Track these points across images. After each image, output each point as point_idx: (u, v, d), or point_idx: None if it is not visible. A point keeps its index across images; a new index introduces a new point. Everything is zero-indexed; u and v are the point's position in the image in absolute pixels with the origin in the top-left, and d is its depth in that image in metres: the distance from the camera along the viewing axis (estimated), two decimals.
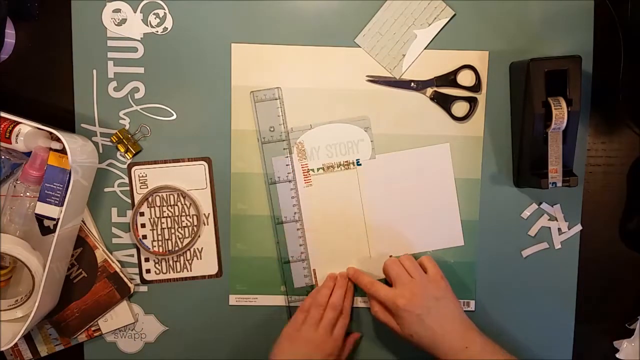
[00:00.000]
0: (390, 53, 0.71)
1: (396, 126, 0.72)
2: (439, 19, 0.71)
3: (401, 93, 0.72)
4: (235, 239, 0.73)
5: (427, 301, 0.65)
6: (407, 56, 0.71)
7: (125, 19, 0.70)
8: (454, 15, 0.71)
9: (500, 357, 0.63)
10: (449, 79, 0.71)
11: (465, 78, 0.72)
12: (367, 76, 0.72)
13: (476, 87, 0.72)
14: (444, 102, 0.72)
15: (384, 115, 0.72)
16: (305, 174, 0.73)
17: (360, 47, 0.71)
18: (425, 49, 0.71)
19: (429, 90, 0.72)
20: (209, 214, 0.73)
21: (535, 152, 0.67)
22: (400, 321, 0.66)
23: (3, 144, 0.65)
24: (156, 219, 0.72)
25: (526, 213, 0.73)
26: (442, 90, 0.72)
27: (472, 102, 0.72)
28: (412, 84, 0.72)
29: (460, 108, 0.72)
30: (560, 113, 0.64)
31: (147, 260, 0.73)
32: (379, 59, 0.71)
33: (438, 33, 0.71)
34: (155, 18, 0.70)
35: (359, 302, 0.74)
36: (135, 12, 0.70)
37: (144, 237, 0.73)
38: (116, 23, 0.70)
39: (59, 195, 0.65)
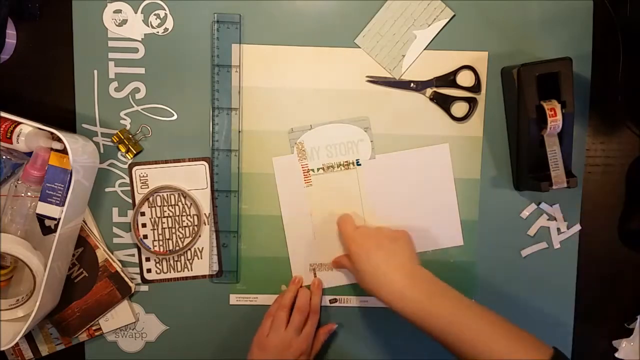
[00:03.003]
0: (390, 54, 0.71)
1: (396, 126, 0.73)
2: (439, 20, 0.71)
3: (401, 93, 0.72)
4: (236, 238, 0.73)
5: (379, 239, 0.65)
6: (406, 57, 0.71)
7: (126, 20, 0.71)
8: (454, 16, 0.71)
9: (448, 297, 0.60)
10: (449, 79, 0.72)
11: (465, 78, 0.72)
12: (367, 77, 0.72)
13: (475, 88, 0.72)
14: (444, 103, 0.72)
15: (384, 116, 0.72)
16: (305, 174, 0.73)
17: (360, 47, 0.71)
18: (424, 49, 0.71)
19: (429, 91, 0.72)
20: (209, 213, 0.73)
21: (533, 155, 0.68)
22: (352, 258, 0.66)
23: (4, 144, 0.66)
24: (157, 219, 0.73)
25: (525, 213, 0.74)
26: (441, 91, 0.72)
27: (472, 102, 0.72)
28: (412, 84, 0.72)
29: (459, 108, 0.72)
30: (554, 116, 0.64)
31: (147, 259, 0.74)
32: (379, 59, 0.71)
33: (438, 34, 0.71)
34: (156, 19, 0.71)
35: (354, 302, 0.74)
36: (136, 12, 0.71)
37: (145, 236, 0.73)
38: (117, 24, 0.71)
39: (60, 195, 0.65)
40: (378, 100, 0.72)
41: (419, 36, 0.71)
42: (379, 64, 0.72)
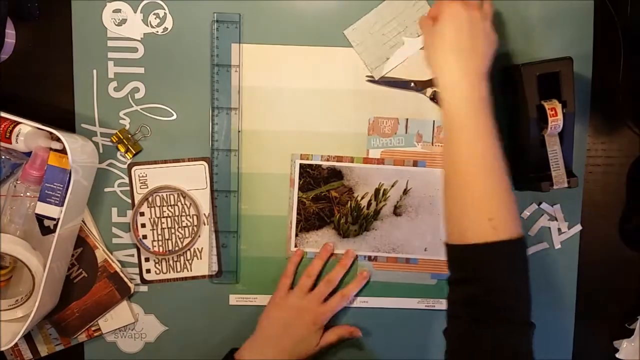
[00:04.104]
0: (375, 53, 0.71)
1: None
2: None
3: (401, 93, 0.72)
4: (235, 238, 0.73)
5: (470, 33, 0.60)
6: (390, 60, 0.71)
7: (126, 19, 0.70)
8: None
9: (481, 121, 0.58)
10: None
11: None
12: (367, 76, 0.72)
13: None
14: None
15: (385, 115, 0.72)
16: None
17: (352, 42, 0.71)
18: (406, 58, 0.71)
19: (429, 90, 0.72)
20: (209, 214, 0.73)
21: (533, 155, 0.67)
22: (431, 30, 0.62)
23: (3, 144, 0.65)
24: (156, 219, 0.73)
25: (526, 213, 0.73)
26: None
27: None
28: (412, 84, 0.72)
29: None
30: (555, 116, 0.64)
31: (147, 260, 0.73)
32: (363, 56, 0.71)
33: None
34: (155, 18, 0.70)
35: (359, 302, 0.74)
36: (135, 12, 0.70)
37: (144, 237, 0.73)
38: (116, 23, 0.70)
39: (59, 195, 0.65)
40: (378, 100, 0.72)
41: (407, 44, 0.71)
42: (361, 60, 0.71)
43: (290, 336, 0.68)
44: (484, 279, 0.55)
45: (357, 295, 0.74)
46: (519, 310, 0.55)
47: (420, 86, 0.72)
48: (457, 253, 0.57)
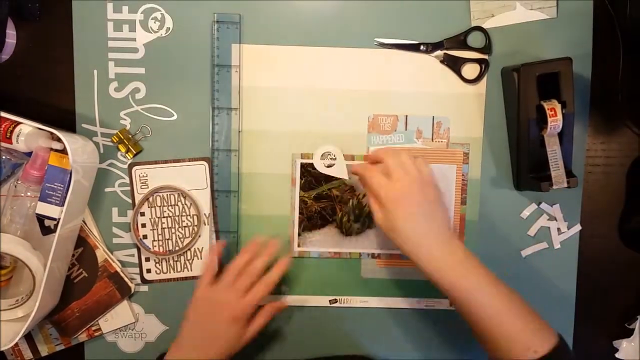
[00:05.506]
0: (485, 5, 0.70)
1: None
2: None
3: (401, 92, 0.72)
4: (235, 238, 0.73)
5: (418, 200, 0.60)
6: (494, 18, 0.70)
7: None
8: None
9: (481, 272, 0.59)
10: (459, 39, 0.71)
11: (476, 40, 0.71)
12: (376, 41, 0.71)
13: (486, 49, 0.71)
14: (454, 64, 0.71)
15: (384, 113, 0.72)
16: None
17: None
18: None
19: (439, 53, 0.71)
20: (209, 214, 0.73)
21: (533, 155, 0.68)
22: (386, 214, 0.61)
23: (4, 144, 0.65)
24: (157, 219, 0.73)
25: (525, 213, 0.73)
26: (452, 53, 0.71)
27: (483, 63, 0.71)
28: (421, 46, 0.71)
29: (470, 70, 0.72)
30: (554, 116, 0.64)
31: (147, 260, 0.73)
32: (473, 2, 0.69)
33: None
34: (156, 19, 0.71)
35: (359, 302, 0.74)
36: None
37: (145, 237, 0.73)
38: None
39: (59, 195, 0.65)
40: (378, 99, 0.72)
41: (518, 9, 0.70)
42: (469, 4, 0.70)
43: (208, 337, 0.64)
44: None
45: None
46: None
47: (431, 48, 0.71)
48: None
